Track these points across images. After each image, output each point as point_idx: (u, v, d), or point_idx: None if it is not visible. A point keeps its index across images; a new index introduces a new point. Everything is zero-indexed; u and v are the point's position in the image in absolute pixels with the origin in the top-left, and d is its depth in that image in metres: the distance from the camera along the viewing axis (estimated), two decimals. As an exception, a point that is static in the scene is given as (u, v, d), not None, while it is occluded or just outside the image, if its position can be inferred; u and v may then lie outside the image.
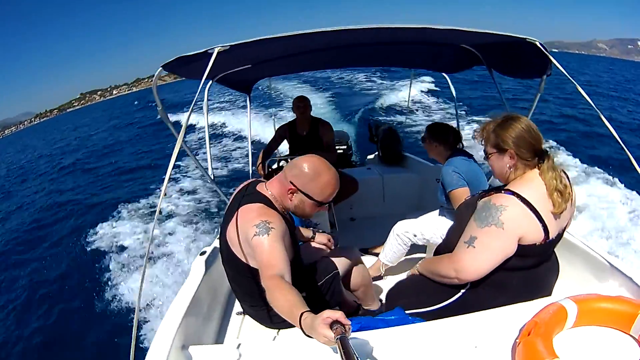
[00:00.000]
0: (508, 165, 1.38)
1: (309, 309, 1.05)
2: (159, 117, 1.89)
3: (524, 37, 1.61)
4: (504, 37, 1.66)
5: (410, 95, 5.34)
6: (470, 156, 2.35)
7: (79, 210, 7.93)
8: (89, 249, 5.51)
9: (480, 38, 1.90)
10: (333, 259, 1.81)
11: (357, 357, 0.85)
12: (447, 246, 1.49)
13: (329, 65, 3.49)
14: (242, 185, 1.62)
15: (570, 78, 1.57)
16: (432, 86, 14.38)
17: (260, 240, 1.30)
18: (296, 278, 1.39)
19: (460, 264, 1.35)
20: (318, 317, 0.96)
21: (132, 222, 6.01)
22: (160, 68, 1.66)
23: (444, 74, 3.42)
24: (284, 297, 1.14)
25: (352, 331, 1.20)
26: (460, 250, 1.36)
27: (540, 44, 1.61)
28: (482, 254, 1.31)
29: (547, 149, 1.38)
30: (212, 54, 1.45)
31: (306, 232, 2.01)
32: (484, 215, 1.31)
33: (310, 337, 0.99)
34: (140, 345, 2.77)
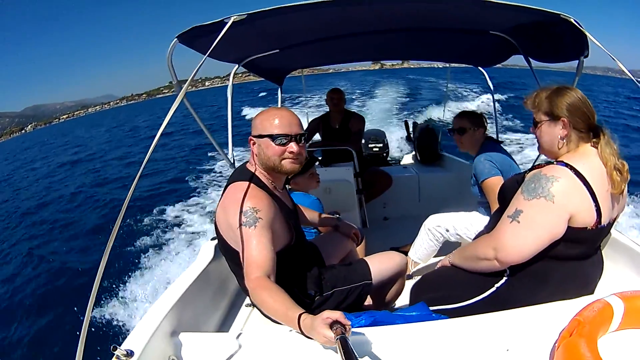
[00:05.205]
0: (560, 136, 1.26)
1: (304, 310, 1.03)
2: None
3: (558, 12, 1.51)
4: (537, 12, 1.56)
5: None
6: (501, 143, 2.26)
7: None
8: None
9: (511, 17, 1.82)
10: (374, 265, 1.61)
11: (357, 358, 0.82)
12: (489, 231, 1.35)
13: (360, 57, 3.44)
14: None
15: (613, 57, 1.42)
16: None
17: (248, 233, 1.22)
18: (300, 261, 1.32)
19: (501, 241, 1.21)
20: (318, 318, 0.95)
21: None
22: (175, 39, 1.55)
23: (480, 68, 3.28)
24: (274, 299, 1.10)
25: (365, 325, 1.14)
26: (502, 225, 1.23)
27: (575, 20, 1.50)
28: (527, 230, 1.17)
29: (602, 125, 1.26)
30: (227, 23, 1.35)
31: (330, 220, 1.98)
32: (532, 187, 1.18)
33: (310, 338, 0.99)
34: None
